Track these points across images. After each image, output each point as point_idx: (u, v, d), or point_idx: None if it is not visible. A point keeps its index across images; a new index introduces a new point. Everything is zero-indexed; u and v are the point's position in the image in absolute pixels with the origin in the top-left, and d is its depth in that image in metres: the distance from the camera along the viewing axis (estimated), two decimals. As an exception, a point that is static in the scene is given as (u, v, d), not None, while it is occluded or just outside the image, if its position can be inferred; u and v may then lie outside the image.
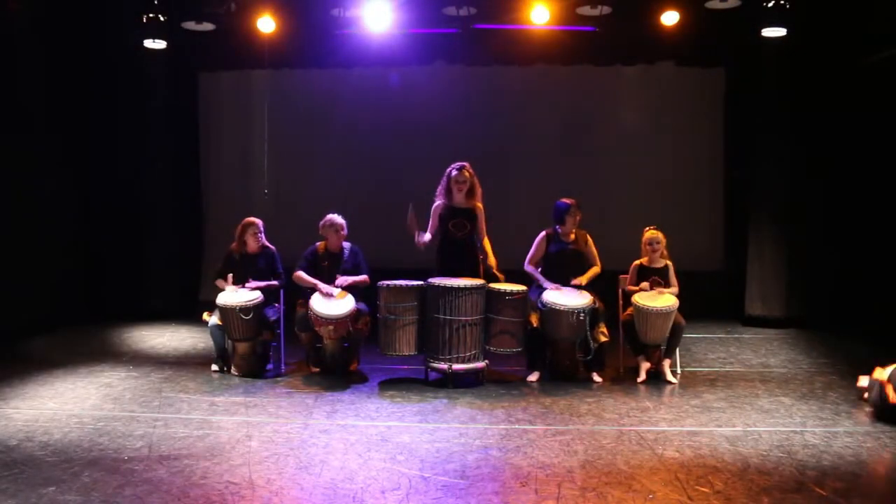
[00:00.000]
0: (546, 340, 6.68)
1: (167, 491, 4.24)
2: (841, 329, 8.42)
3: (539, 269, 6.88)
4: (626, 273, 6.98)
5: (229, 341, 6.85)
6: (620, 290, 7.04)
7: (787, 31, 8.06)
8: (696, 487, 4.32)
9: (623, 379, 6.72)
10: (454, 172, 6.78)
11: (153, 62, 9.13)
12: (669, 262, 6.87)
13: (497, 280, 6.71)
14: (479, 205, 6.87)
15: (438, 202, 6.86)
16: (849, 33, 8.58)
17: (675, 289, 6.76)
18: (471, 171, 6.80)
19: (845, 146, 8.80)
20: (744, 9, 8.19)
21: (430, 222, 6.86)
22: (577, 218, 6.79)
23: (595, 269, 6.82)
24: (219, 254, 7.35)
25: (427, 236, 6.74)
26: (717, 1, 8.15)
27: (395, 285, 6.59)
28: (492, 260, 6.76)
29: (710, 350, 7.87)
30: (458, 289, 6.41)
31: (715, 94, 9.76)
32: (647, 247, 6.84)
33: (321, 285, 6.70)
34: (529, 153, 9.82)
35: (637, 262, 6.94)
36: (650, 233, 6.88)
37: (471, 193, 6.82)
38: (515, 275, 6.86)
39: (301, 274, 6.84)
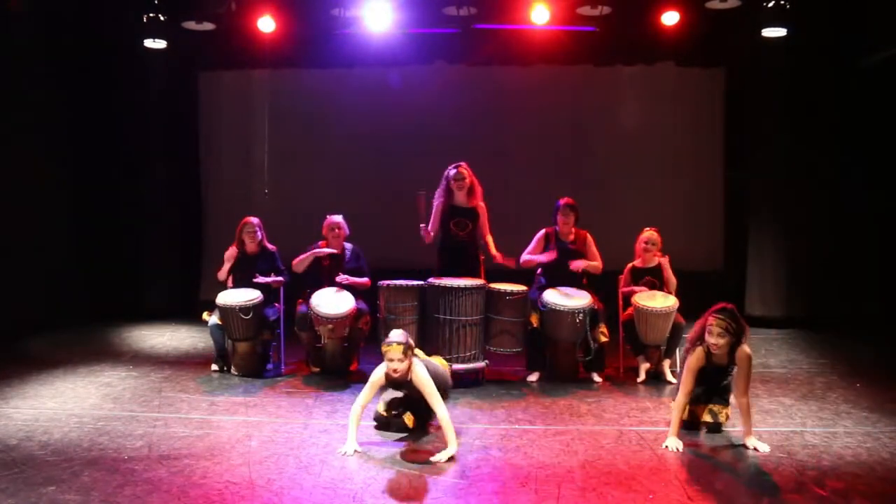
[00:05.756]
0: (546, 340, 6.68)
1: (167, 491, 4.24)
2: (841, 329, 8.41)
3: (538, 270, 6.89)
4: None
5: (229, 341, 6.85)
6: (620, 291, 7.03)
7: (787, 31, 8.05)
8: (696, 487, 4.32)
9: (623, 379, 6.72)
10: (451, 172, 6.80)
11: (153, 62, 9.14)
12: (663, 260, 6.86)
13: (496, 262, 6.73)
14: (482, 204, 6.87)
15: (440, 201, 6.85)
16: (849, 33, 8.58)
17: (668, 274, 6.75)
18: (468, 169, 6.81)
19: (845, 146, 8.79)
20: (744, 9, 8.18)
21: (432, 219, 6.86)
22: (571, 217, 6.77)
23: (595, 263, 6.80)
24: (219, 254, 7.34)
25: (431, 231, 6.75)
26: (717, 1, 8.13)
27: (395, 285, 6.59)
28: (495, 254, 6.75)
29: (710, 350, 7.85)
30: (459, 289, 6.41)
31: (715, 94, 9.75)
32: (644, 246, 6.84)
33: (320, 251, 6.77)
34: (529, 153, 9.80)
35: (630, 264, 6.94)
36: (648, 233, 6.88)
37: (471, 192, 6.82)
38: (516, 275, 6.85)
39: (298, 258, 6.84)
